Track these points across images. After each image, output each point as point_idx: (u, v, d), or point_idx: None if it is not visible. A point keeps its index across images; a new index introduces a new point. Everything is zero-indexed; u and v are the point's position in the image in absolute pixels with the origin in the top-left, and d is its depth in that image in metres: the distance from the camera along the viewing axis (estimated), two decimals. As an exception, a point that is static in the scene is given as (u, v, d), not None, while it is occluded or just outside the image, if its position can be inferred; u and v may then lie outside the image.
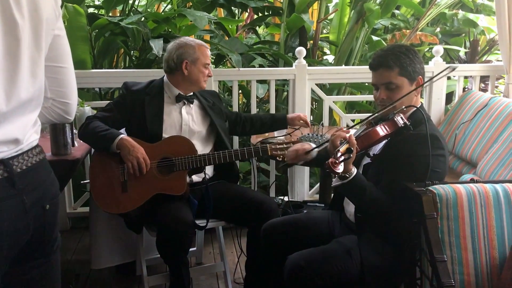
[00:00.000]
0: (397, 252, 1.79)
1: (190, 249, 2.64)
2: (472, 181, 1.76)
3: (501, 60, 3.39)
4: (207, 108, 2.49)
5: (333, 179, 1.79)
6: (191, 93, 2.47)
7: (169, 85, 2.42)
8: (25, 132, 1.20)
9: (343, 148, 1.66)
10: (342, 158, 1.64)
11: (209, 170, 2.43)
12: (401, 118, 1.79)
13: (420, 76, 1.86)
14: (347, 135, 1.71)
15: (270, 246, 2.09)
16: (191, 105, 2.46)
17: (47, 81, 1.28)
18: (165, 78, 2.45)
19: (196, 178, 2.39)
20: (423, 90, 1.94)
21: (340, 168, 1.63)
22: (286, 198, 3.19)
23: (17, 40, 1.14)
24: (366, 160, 1.97)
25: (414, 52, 1.86)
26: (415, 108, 1.85)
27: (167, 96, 2.42)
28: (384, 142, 1.86)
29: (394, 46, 1.92)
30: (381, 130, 1.77)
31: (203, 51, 2.40)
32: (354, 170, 1.74)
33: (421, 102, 1.93)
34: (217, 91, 3.03)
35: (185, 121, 2.41)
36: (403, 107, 1.82)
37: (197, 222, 2.27)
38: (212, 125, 2.48)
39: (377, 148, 1.92)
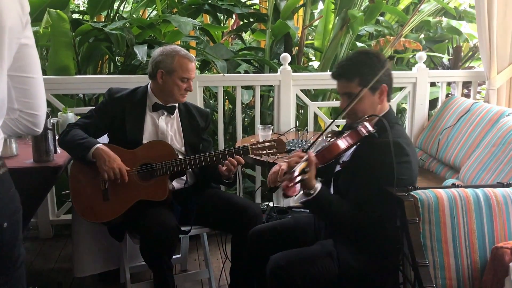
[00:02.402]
0: (375, 257, 1.79)
1: (175, 256, 2.63)
2: (454, 185, 1.77)
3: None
4: (186, 123, 2.44)
5: (296, 197, 1.80)
6: (173, 104, 2.41)
7: (150, 92, 2.39)
8: None
9: (299, 168, 1.68)
10: (298, 179, 1.67)
11: (191, 178, 2.42)
12: (365, 127, 1.78)
13: (384, 84, 1.83)
14: (306, 156, 1.72)
15: (255, 252, 2.08)
16: (171, 116, 2.41)
17: (14, 91, 1.23)
18: (149, 84, 2.43)
19: (177, 185, 2.38)
20: (391, 96, 1.90)
21: (297, 190, 1.67)
22: (271, 204, 3.19)
23: None
24: (338, 168, 1.97)
25: (377, 60, 1.81)
26: (377, 117, 1.83)
27: (148, 104, 2.38)
28: (353, 149, 1.85)
29: (356, 54, 1.90)
30: (343, 143, 1.76)
31: (182, 63, 2.29)
32: (318, 186, 1.75)
33: (389, 106, 1.90)
34: (203, 101, 3.00)
35: (162, 130, 2.38)
36: (365, 116, 1.81)
37: (181, 228, 2.25)
38: (184, 141, 2.43)
39: (346, 155, 1.91)
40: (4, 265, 1.24)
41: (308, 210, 2.96)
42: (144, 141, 2.34)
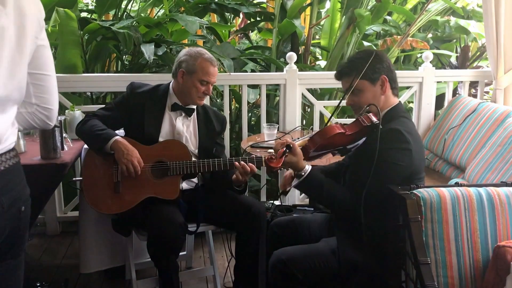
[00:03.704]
0: (376, 254, 1.80)
1: (180, 253, 2.65)
2: (457, 184, 1.77)
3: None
4: (202, 126, 2.44)
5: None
6: (191, 106, 2.40)
7: (171, 91, 2.39)
8: (5, 131, 1.24)
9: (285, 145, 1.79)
10: (279, 153, 1.77)
11: (200, 180, 2.43)
12: (368, 117, 1.81)
13: (384, 75, 1.87)
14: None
15: (274, 242, 2.10)
16: (189, 118, 2.41)
17: (32, 87, 1.35)
18: (171, 83, 2.42)
19: (186, 186, 2.39)
20: (397, 89, 1.96)
21: (280, 164, 1.79)
22: (277, 202, 3.20)
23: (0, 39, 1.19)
24: (348, 162, 2.01)
25: (373, 54, 1.87)
26: (373, 106, 1.85)
27: (168, 103, 2.38)
28: (361, 142, 1.89)
29: (356, 53, 1.98)
30: (338, 128, 1.80)
31: (204, 66, 2.29)
32: (308, 168, 1.83)
33: (399, 101, 1.94)
34: (210, 99, 3.01)
35: (178, 130, 2.38)
36: (366, 106, 1.85)
37: (188, 226, 2.27)
38: (199, 144, 2.44)
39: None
40: (15, 247, 1.32)
41: (312, 208, 2.98)
42: (160, 139, 2.34)
